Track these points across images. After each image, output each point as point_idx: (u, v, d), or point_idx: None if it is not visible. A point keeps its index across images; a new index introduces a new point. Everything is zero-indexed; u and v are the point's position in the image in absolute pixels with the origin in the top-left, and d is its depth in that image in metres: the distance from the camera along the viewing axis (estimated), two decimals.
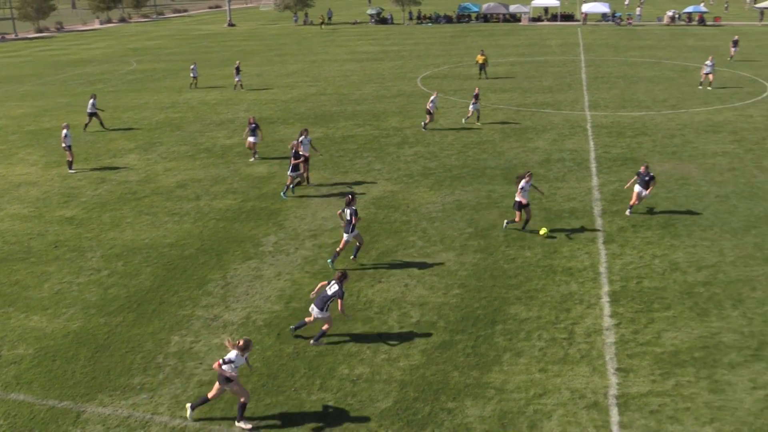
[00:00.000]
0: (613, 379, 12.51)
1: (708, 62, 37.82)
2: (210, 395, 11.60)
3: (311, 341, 13.86)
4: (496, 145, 27.85)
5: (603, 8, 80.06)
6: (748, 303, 15.04)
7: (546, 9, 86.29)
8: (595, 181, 23.24)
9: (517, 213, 18.54)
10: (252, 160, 26.74)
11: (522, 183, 18.35)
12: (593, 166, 24.88)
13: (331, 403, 12.09)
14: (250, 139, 26.22)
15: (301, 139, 22.99)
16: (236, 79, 41.68)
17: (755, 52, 53.24)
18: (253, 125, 25.99)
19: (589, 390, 12.23)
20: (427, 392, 12.29)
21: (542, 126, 30.73)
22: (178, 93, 41.90)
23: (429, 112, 30.06)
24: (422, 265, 17.22)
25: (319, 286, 13.83)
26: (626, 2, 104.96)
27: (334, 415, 11.81)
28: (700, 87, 38.46)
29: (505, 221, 19.20)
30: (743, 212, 20.20)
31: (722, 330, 14.00)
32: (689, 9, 77.62)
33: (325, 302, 13.44)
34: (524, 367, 12.95)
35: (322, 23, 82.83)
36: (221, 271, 17.20)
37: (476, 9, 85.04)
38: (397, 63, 51.44)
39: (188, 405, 11.86)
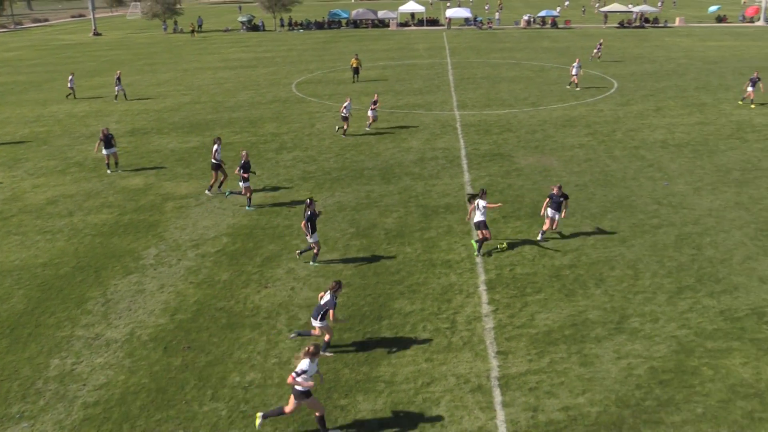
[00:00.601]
0: (494, 362, 13.01)
1: (575, 64, 39.74)
2: (287, 410, 11.06)
3: (322, 352, 13.30)
4: (373, 147, 28.20)
5: (465, 13, 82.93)
6: (609, 281, 16.09)
7: (413, 14, 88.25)
8: (467, 176, 24.05)
9: (479, 232, 17.45)
10: (109, 172, 25.48)
11: (480, 203, 17.39)
12: (464, 162, 25.73)
13: (224, 412, 11.81)
14: (104, 151, 25.14)
15: (215, 147, 22.08)
16: (117, 89, 39.59)
17: (602, 52, 56.91)
18: (107, 136, 24.86)
19: (473, 374, 12.65)
20: (319, 392, 12.26)
21: (415, 126, 31.42)
22: (43, 106, 39.37)
23: (344, 118, 29.50)
24: (307, 268, 17.15)
25: (320, 295, 13.30)
26: (486, 7, 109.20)
27: (228, 423, 11.54)
28: (568, 87, 40.45)
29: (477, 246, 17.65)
30: (600, 199, 21.58)
31: (588, 308, 14.89)
32: (543, 13, 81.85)
33: (319, 312, 13.00)
34: (411, 358, 13.21)
35: (192, 31, 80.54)
36: (101, 288, 16.35)
37: (346, 15, 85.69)
38: (270, 69, 50.90)
39: (259, 414, 11.29)
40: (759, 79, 34.80)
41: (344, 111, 29.50)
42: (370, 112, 30.81)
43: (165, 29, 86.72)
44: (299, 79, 46.17)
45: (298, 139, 29.77)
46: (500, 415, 11.58)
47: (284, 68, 51.32)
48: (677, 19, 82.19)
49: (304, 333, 13.73)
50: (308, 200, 16.78)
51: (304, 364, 10.69)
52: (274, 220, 20.41)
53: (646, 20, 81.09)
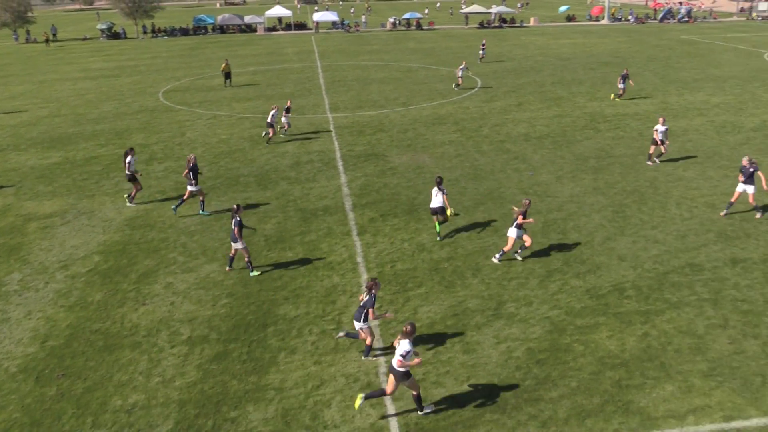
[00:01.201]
0: (382, 359, 13.15)
1: (462, 66, 40.74)
2: (388, 390, 11.29)
3: (362, 357, 13.19)
4: (247, 153, 27.69)
5: (332, 17, 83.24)
6: (485, 270, 16.70)
7: (280, 19, 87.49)
8: (343, 178, 24.16)
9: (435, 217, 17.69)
10: None
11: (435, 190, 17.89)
12: (340, 164, 25.83)
13: None
14: None
15: (128, 159, 21.19)
16: None
17: (464, 51, 59.01)
18: None
19: (361, 372, 12.72)
20: (207, 406, 11.89)
21: (289, 130, 31.15)
22: None
23: (270, 125, 28.83)
24: (186, 281, 16.59)
25: (360, 297, 13.27)
26: (352, 10, 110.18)
27: None
28: (455, 87, 41.13)
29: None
30: (472, 192, 22.36)
31: (467, 297, 15.39)
32: (407, 15, 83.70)
33: (361, 313, 12.83)
34: (300, 363, 13.10)
35: (47, 40, 75.63)
36: None
37: (212, 21, 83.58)
38: (135, 78, 48.74)
39: (361, 395, 11.40)
40: (627, 75, 36.93)
41: (270, 119, 28.84)
42: (283, 119, 30.17)
43: (16, 39, 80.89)
44: (166, 87, 44.53)
45: (169, 149, 28.72)
46: (391, 410, 11.72)
47: (149, 77, 49.31)
48: (531, 19, 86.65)
49: (352, 335, 13.28)
50: (235, 206, 16.39)
51: (404, 345, 11.02)
52: (148, 234, 19.57)
53: (504, 21, 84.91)
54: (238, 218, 16.33)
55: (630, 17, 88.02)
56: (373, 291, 12.74)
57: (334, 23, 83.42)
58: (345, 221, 20.07)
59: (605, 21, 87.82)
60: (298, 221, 20.14)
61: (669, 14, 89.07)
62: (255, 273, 16.76)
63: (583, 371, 12.60)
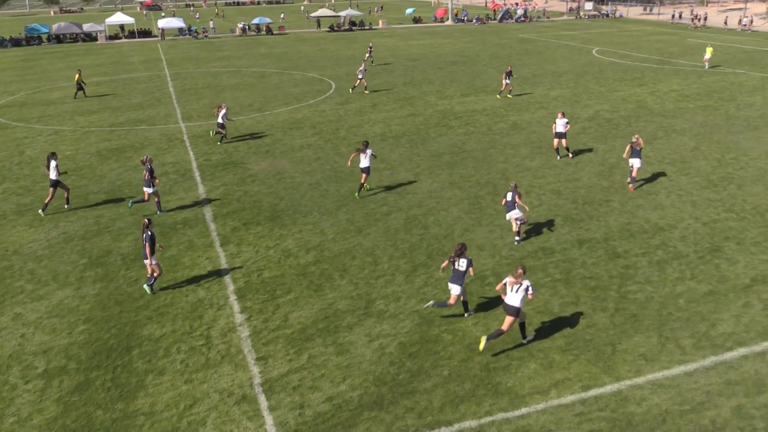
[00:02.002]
0: (255, 369, 12.91)
1: (361, 68, 40.47)
2: (504, 328, 12.89)
3: (465, 314, 14.54)
4: (95, 169, 26.15)
5: (178, 23, 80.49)
6: (352, 270, 16.86)
7: (122, 26, 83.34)
8: (201, 189, 23.45)
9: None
10: None
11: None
12: (197, 174, 25.05)
13: None
14: None
15: (52, 163, 20.99)
16: None
17: (317, 55, 59.20)
18: None
19: (235, 386, 12.42)
20: None
21: (140, 143, 29.80)
22: None
23: (222, 126, 28.83)
24: (37, 310, 15.39)
25: (443, 266, 14.07)
26: (197, 16, 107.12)
27: None
28: (354, 90, 41.03)
29: None
30: (333, 194, 22.48)
31: (336, 299, 15.46)
32: (256, 20, 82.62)
33: (461, 276, 13.77)
34: (169, 383, 12.56)
35: None
36: None
37: (46, 30, 78.00)
38: None
39: (484, 337, 12.83)
40: (512, 72, 38.46)
41: (221, 119, 28.85)
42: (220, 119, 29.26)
43: None
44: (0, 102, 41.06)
45: (7, 170, 26.51)
46: (268, 420, 11.54)
47: None
48: (380, 22, 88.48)
49: (440, 303, 14.10)
50: (146, 220, 15.74)
51: (527, 282, 12.91)
52: None
53: (353, 24, 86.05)
54: (149, 233, 15.61)
55: (463, 16, 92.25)
56: (465, 253, 13.85)
57: (180, 30, 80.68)
58: (206, 233, 19.49)
59: (449, 22, 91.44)
60: (156, 236, 19.28)
61: (507, 15, 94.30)
62: (148, 290, 15.97)
63: (454, 359, 13.06)
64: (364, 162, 21.38)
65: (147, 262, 15.78)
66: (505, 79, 37.75)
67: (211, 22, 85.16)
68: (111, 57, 62.33)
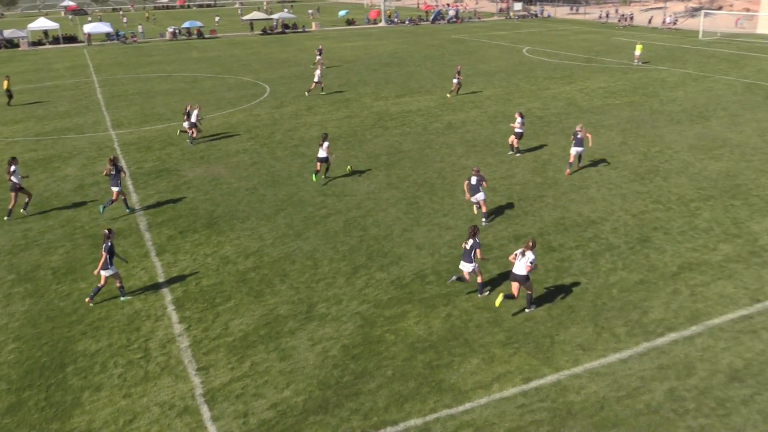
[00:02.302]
0: (197, 380, 12.67)
1: (318, 72, 40.30)
2: (514, 293, 14.49)
3: (478, 294, 15.49)
4: (22, 181, 25.09)
5: (105, 28, 78.20)
6: (292, 275, 16.74)
7: (46, 32, 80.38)
8: (134, 198, 22.85)
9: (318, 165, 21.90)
10: None
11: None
12: (129, 183, 24.40)
13: None
14: None
15: (12, 168, 20.99)
16: None
17: (250, 58, 58.55)
18: None
19: (177, 398, 12.16)
20: None
21: (68, 152, 28.83)
22: None
23: (194, 125, 29.32)
24: None
25: (463, 245, 15.18)
26: (125, 20, 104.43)
27: None
28: (307, 94, 40.61)
29: None
30: (271, 199, 22.28)
31: (277, 304, 15.32)
32: (187, 24, 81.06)
33: (469, 255, 15.00)
34: (107, 399, 12.20)
35: None
36: None
37: None
38: None
39: (502, 294, 14.37)
40: (460, 71, 39.36)
41: (195, 119, 29.51)
42: (185, 124, 29.64)
43: None
44: None
45: None
46: (212, 430, 11.34)
47: None
48: (314, 24, 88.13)
49: (461, 278, 15.41)
50: (107, 231, 15.43)
51: (531, 255, 14.15)
52: None
53: (286, 26, 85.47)
54: (109, 243, 15.29)
55: (395, 17, 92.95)
56: (476, 235, 15.04)
57: (108, 35, 78.41)
58: (141, 242, 19.02)
59: (383, 24, 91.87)
60: (88, 248, 18.71)
61: (439, 16, 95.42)
62: (127, 298, 15.71)
63: (397, 359, 13.13)
64: (321, 153, 23.07)
65: (105, 273, 15.30)
66: (455, 78, 38.66)
67: (139, 27, 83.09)
68: (35, 64, 60.03)
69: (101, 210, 21.07)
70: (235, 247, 18.50)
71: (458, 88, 38.82)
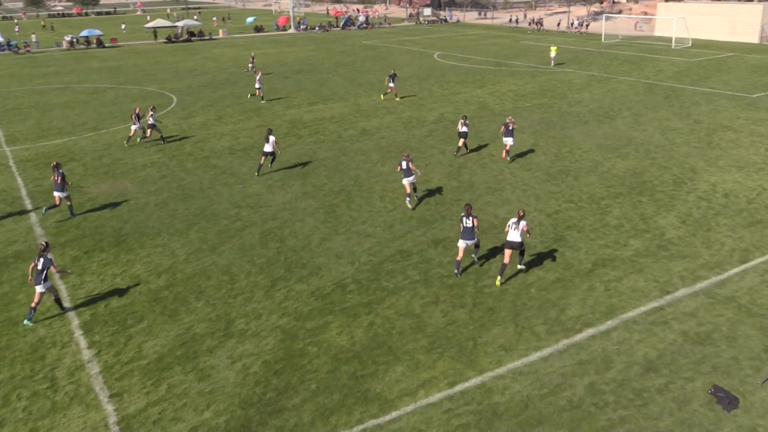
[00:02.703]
0: (110, 408, 12.15)
1: (258, 77, 40.57)
2: (506, 261, 16.13)
3: (474, 257, 17.65)
4: None
5: None
6: (208, 291, 16.35)
7: None
8: (33, 217, 21.75)
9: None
10: None
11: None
12: (27, 202, 23.21)
13: None
14: None
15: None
16: None
17: (154, 68, 56.96)
18: None
19: (89, 428, 11.62)
20: None
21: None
22: None
23: (152, 126, 30.57)
24: None
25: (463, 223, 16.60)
26: (16, 29, 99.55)
27: None
28: (250, 97, 41.06)
29: None
30: (182, 213, 21.70)
31: (194, 323, 14.91)
32: (85, 33, 78.09)
33: (470, 232, 16.53)
34: None
35: None
36: None
37: None
38: None
39: (498, 277, 16.18)
40: (395, 75, 40.19)
41: (151, 119, 30.67)
42: (134, 126, 30.43)
43: None
44: None
45: None
46: None
47: None
48: (220, 32, 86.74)
49: (457, 265, 16.94)
50: (44, 243, 15.18)
51: (523, 222, 16.06)
52: None
53: (192, 34, 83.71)
54: (48, 257, 15.00)
55: (304, 24, 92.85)
56: (471, 213, 16.48)
57: None
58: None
59: (292, 30, 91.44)
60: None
61: (349, 21, 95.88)
62: (29, 323, 15.04)
63: (320, 371, 13.03)
64: (267, 147, 24.97)
65: (38, 288, 14.91)
66: (389, 82, 39.71)
67: (33, 36, 79.33)
68: None
69: (43, 212, 21.56)
70: (146, 265, 17.89)
71: (393, 92, 40.15)
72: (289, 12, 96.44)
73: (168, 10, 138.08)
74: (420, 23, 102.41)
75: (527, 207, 21.46)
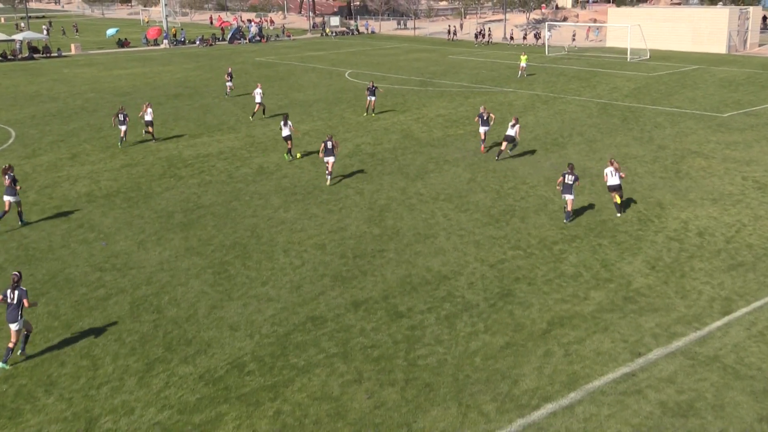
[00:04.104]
0: None
1: (258, 90, 42.80)
2: (618, 202, 24.73)
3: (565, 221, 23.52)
4: None
5: None
6: (62, 382, 15.68)
7: None
8: None
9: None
10: None
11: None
12: None
13: None
14: None
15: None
16: None
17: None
18: None
19: None
20: None
21: None
22: None
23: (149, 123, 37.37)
24: None
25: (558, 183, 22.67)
26: None
27: None
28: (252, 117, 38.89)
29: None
30: (27, 280, 20.79)
31: (43, 424, 14.23)
32: None
33: (570, 187, 24.12)
34: None
35: None
36: None
37: None
38: None
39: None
40: (376, 87, 42.97)
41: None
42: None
43: None
44: None
45: None
46: None
47: None
48: (73, 47, 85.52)
49: (567, 215, 24.54)
50: (17, 273, 16.51)
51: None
52: None
53: (36, 50, 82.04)
54: (23, 289, 16.37)
55: (182, 37, 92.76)
56: (574, 171, 24.38)
57: None
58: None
59: (166, 45, 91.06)
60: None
61: (239, 34, 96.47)
62: (5, 366, 16.29)
63: None
64: (285, 131, 33.10)
65: (13, 326, 16.18)
66: (369, 95, 42.75)
67: None
68: None
69: (20, 223, 23.92)
70: None
71: (371, 106, 43.41)
72: (161, 22, 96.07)
73: (2, 20, 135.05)
74: (327, 35, 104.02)
75: (466, 257, 21.82)
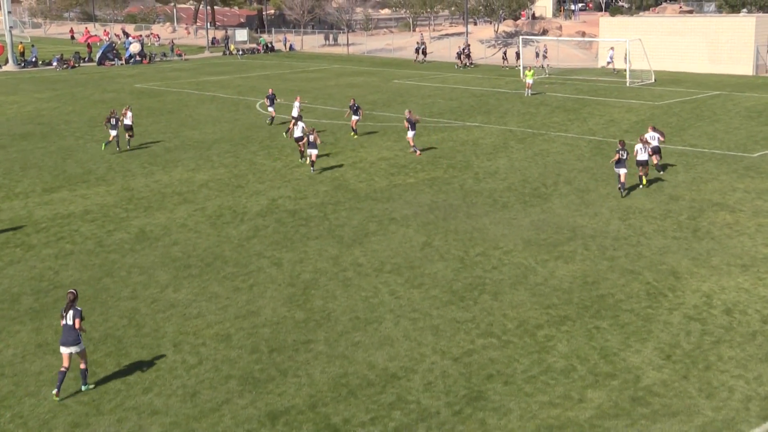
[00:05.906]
0: None
1: (297, 103, 51.24)
2: (644, 174, 34.53)
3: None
4: None
5: None
6: None
7: None
8: None
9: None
10: None
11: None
12: None
13: None
14: None
15: None
16: None
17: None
18: None
19: None
20: None
21: None
22: None
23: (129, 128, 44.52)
24: None
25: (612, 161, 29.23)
26: None
27: None
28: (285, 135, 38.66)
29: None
30: None
31: None
32: None
33: (624, 163, 31.58)
34: None
35: None
36: None
37: None
38: None
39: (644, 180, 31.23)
40: (358, 107, 48.02)
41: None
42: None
43: None
44: None
45: None
46: None
47: None
48: None
49: (621, 186, 31.55)
50: (74, 291, 19.62)
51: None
52: None
53: None
54: (78, 308, 19.26)
55: (33, 57, 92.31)
56: (625, 146, 32.90)
57: None
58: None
59: (10, 67, 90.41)
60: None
61: (112, 52, 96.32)
62: (90, 386, 19.56)
63: None
64: (297, 132, 41.36)
65: (73, 350, 19.16)
66: (354, 114, 47.81)
67: None
68: None
69: None
70: None
71: (354, 125, 49.78)
72: (3, 37, 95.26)
73: None
74: (231, 54, 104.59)
75: (421, 348, 21.72)
